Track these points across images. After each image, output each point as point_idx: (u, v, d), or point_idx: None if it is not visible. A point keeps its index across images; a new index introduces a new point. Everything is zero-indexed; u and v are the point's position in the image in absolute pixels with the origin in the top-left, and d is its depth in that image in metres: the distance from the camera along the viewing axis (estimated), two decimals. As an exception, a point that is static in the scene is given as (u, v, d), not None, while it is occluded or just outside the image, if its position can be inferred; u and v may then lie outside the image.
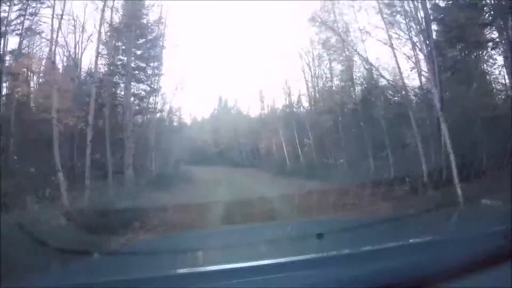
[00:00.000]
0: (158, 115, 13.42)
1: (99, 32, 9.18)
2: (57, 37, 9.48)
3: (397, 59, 10.99)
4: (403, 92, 11.52)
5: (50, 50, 9.38)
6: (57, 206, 6.81)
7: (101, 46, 12.40)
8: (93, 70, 10.68)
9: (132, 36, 13.70)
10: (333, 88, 15.20)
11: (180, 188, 11.21)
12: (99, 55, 12.45)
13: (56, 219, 5.68)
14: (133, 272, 1.88)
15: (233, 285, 1.49)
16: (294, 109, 17.18)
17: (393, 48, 10.89)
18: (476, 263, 1.47)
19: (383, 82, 12.58)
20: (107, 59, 12.05)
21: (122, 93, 13.03)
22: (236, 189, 11.60)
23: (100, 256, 2.65)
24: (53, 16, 9.09)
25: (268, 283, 1.47)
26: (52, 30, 9.32)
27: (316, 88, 16.18)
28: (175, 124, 16.66)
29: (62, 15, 9.14)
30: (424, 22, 11.27)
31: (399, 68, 11.32)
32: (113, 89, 11.73)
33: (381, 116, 11.68)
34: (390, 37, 10.82)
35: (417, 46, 11.22)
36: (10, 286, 1.99)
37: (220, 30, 27.70)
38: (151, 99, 14.22)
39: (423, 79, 11.46)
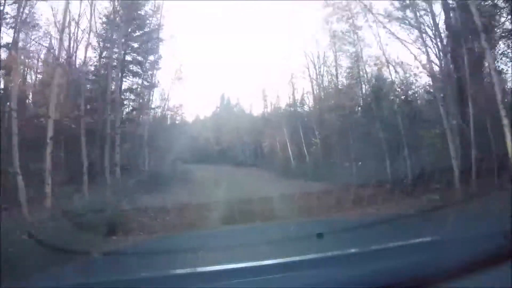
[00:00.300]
0: (153, 111, 12.15)
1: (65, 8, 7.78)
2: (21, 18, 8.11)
3: (426, 43, 9.59)
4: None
5: (14, 29, 8.05)
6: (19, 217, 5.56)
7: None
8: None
9: (123, 27, 12.59)
10: (339, 86, 14.15)
11: (175, 189, 9.95)
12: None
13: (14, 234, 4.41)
14: (133, 272, 1.83)
15: (233, 285, 1.47)
16: (298, 108, 16.13)
17: (421, 33, 9.53)
18: (476, 263, 1.44)
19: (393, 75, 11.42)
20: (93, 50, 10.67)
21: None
22: (236, 191, 10.30)
23: (99, 256, 2.64)
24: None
25: (268, 283, 1.44)
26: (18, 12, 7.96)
27: (321, 85, 15.16)
28: (175, 121, 15.36)
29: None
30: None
31: (427, 55, 10.00)
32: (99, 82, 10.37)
33: (398, 112, 10.32)
34: (418, 19, 9.42)
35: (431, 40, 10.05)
36: (10, 286, 2.08)
37: (223, 28, 26.46)
38: (147, 95, 13.16)
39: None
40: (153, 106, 12.37)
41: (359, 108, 12.60)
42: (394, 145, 10.13)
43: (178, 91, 16.68)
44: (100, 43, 12.25)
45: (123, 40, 12.93)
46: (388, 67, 10.99)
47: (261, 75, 19.15)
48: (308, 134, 14.33)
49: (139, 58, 13.55)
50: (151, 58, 13.53)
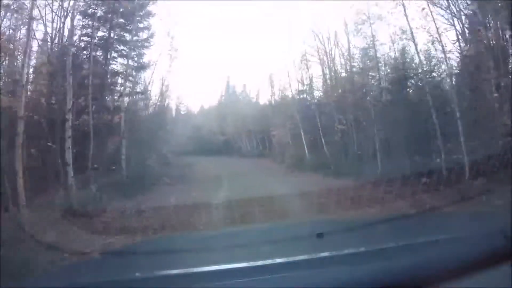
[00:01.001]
0: (138, 96, 9.40)
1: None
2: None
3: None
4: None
5: None
6: None
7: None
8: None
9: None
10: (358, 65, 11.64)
11: (161, 193, 7.26)
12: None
13: None
14: (133, 272, 1.70)
15: (233, 285, 1.40)
16: (311, 92, 13.44)
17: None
18: (476, 263, 1.38)
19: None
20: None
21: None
22: (241, 193, 7.48)
23: (100, 256, 2.71)
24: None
25: (268, 283, 1.38)
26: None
27: (333, 69, 12.87)
28: (169, 109, 12.69)
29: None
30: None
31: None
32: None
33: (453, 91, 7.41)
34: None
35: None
36: (10, 286, 2.02)
37: (227, 10, 23.58)
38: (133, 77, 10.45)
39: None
40: (138, 90, 9.55)
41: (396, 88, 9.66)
42: (449, 132, 7.30)
43: (179, 78, 14.30)
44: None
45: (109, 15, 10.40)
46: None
47: (268, 60, 17.06)
48: (326, 121, 11.51)
49: (126, 34, 10.91)
50: (142, 35, 11.03)
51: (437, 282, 1.30)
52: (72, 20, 7.45)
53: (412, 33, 7.97)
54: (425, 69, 8.98)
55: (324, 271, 1.43)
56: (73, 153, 7.17)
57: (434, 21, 7.77)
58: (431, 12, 7.87)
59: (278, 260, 1.55)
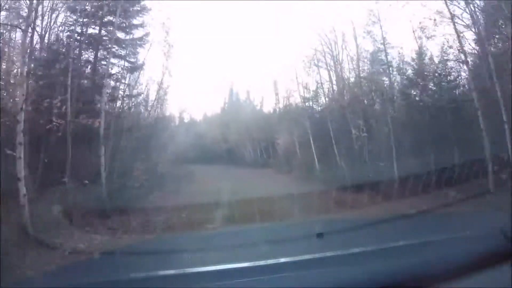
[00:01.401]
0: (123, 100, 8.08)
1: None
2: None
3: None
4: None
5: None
6: None
7: None
8: None
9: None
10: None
11: (144, 212, 5.80)
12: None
13: None
14: (133, 272, 1.64)
15: (233, 285, 1.38)
16: (312, 102, 12.31)
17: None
18: (476, 263, 1.34)
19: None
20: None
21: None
22: (245, 213, 5.94)
23: (100, 256, 2.49)
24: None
25: (268, 283, 1.35)
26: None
27: (340, 74, 11.82)
28: (166, 116, 11.43)
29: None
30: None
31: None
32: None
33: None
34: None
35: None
36: (10, 286, 1.99)
37: (230, 16, 22.50)
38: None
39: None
40: (129, 93, 8.23)
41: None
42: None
43: (182, 85, 13.24)
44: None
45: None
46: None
47: (272, 65, 15.84)
48: (339, 128, 10.11)
49: (117, 31, 9.62)
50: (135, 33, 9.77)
51: (437, 282, 1.26)
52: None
53: (452, 18, 6.44)
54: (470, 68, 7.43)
55: (324, 271, 1.39)
56: (43, 163, 5.82)
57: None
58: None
59: (278, 260, 1.50)
